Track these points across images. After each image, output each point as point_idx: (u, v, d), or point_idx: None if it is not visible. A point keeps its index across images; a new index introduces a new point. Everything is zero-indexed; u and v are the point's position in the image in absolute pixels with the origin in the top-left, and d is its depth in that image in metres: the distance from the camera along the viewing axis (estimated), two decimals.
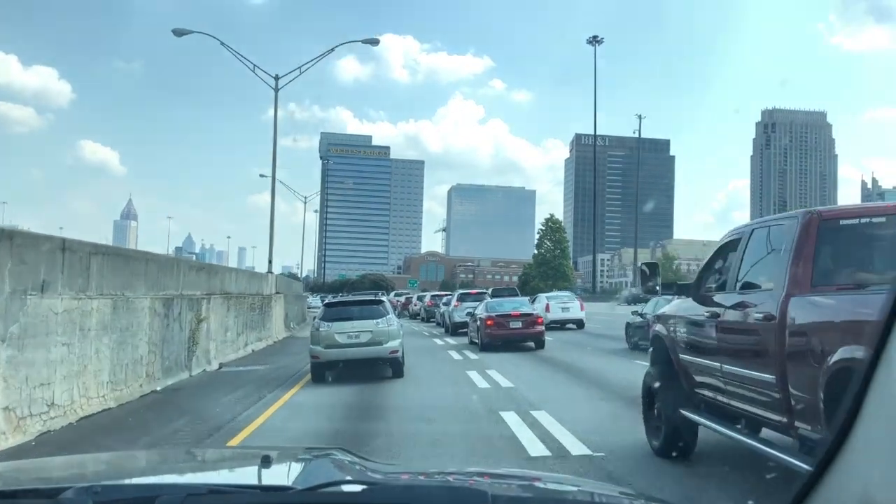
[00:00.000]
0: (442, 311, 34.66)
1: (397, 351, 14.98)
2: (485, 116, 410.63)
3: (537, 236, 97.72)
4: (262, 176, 57.65)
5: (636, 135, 76.16)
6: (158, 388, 14.03)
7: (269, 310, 26.95)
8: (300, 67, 31.14)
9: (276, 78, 31.14)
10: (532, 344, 21.34)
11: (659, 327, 7.92)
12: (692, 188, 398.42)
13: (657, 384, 7.42)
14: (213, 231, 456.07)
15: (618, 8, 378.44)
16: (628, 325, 21.73)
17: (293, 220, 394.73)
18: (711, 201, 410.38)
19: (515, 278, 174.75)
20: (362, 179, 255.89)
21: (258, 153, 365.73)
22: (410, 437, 9.17)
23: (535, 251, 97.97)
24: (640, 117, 74.71)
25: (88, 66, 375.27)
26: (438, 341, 26.35)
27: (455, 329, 28.14)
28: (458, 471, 2.40)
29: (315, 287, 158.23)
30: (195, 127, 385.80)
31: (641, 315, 20.57)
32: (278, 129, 31.05)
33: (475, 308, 24.47)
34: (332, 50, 30.92)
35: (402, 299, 58.17)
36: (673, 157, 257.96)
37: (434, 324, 38.02)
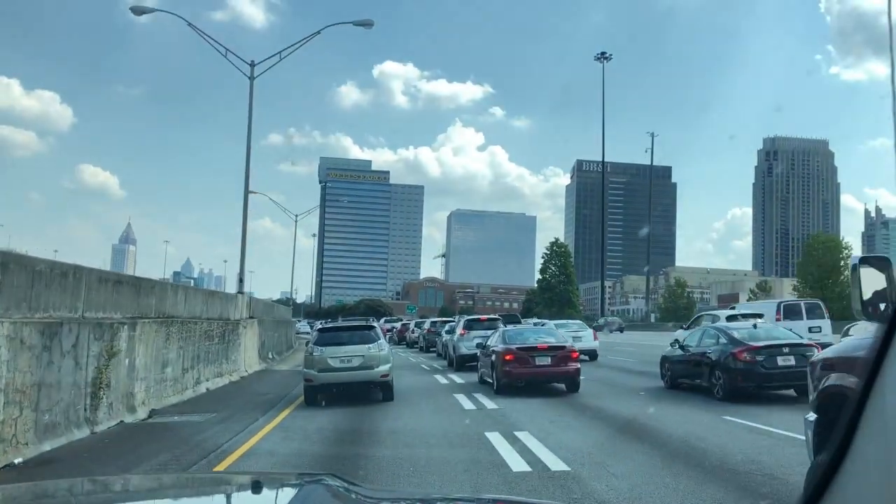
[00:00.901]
0: (444, 340, 29.81)
1: (388, 375, 15.31)
2: (484, 143, 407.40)
3: (541, 261, 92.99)
4: (252, 192, 52.49)
5: (647, 153, 71.78)
6: (18, 461, 9.10)
7: (235, 338, 22.02)
8: (280, 53, 28.14)
9: (252, 65, 27.97)
10: (563, 386, 16.37)
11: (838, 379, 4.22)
12: (689, 216, 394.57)
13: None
14: (213, 256, 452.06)
15: (618, 36, 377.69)
16: (665, 358, 17.70)
17: (291, 246, 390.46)
18: (709, 230, 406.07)
19: (516, 304, 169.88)
20: (361, 204, 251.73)
21: (259, 178, 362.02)
22: None
23: (539, 276, 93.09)
24: (652, 135, 70.50)
25: (90, 90, 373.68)
26: (441, 379, 21.37)
27: (461, 363, 23.20)
28: (445, 496, 2.81)
29: (311, 312, 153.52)
30: (195, 151, 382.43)
31: (683, 347, 16.59)
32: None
33: (487, 338, 19.60)
34: (319, 32, 26.83)
35: (398, 326, 53.76)
36: (675, 185, 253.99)
37: (434, 354, 33.09)
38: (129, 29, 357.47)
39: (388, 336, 23.95)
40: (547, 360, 16.15)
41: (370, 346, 15.44)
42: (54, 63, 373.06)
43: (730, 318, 25.71)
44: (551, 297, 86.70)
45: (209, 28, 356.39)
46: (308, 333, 67.46)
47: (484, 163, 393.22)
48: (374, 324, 18.27)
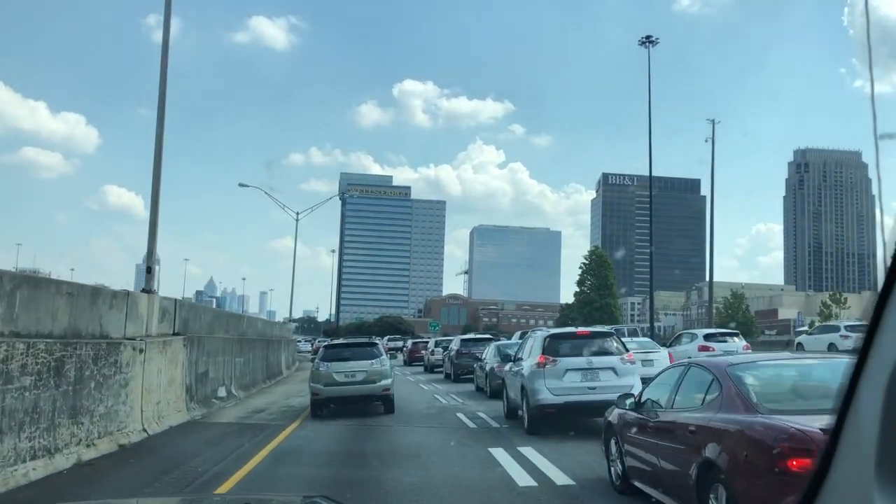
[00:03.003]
0: (488, 367, 19.52)
1: (389, 389, 15.98)
2: (505, 160, 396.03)
3: (579, 272, 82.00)
4: (241, 185, 42.96)
5: (709, 142, 60.50)
6: None
7: (110, 372, 11.53)
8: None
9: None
10: None
11: None
12: (715, 231, 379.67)
13: None
14: (235, 275, 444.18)
15: (640, 52, 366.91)
16: (610, 427, 6.86)
17: (314, 264, 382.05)
18: (733, 246, 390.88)
19: (542, 321, 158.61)
20: (382, 220, 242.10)
21: (281, 197, 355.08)
22: None
23: (577, 289, 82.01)
24: (713, 122, 59.30)
25: (115, 112, 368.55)
26: (518, 474, 9.10)
27: (539, 419, 11.94)
28: None
29: (329, 330, 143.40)
30: (218, 172, 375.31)
31: (641, 405, 6.35)
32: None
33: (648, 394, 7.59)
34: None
35: (409, 345, 45.46)
36: (704, 198, 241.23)
37: (470, 389, 22.46)
38: (151, 51, 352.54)
39: (389, 355, 21.16)
40: None
41: (372, 361, 16.08)
42: (79, 86, 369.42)
43: (708, 337, 25.40)
44: (591, 312, 75.69)
45: (230, 47, 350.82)
46: (308, 352, 59.39)
47: (505, 180, 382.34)
48: (377, 341, 20.05)
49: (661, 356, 22.10)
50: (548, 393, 11.18)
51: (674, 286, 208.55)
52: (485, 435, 12.06)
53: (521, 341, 17.16)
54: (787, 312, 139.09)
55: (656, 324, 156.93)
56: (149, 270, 14.29)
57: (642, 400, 7.06)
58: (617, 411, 7.69)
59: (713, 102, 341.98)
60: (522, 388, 12.00)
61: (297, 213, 46.15)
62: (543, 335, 12.01)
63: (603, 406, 11.04)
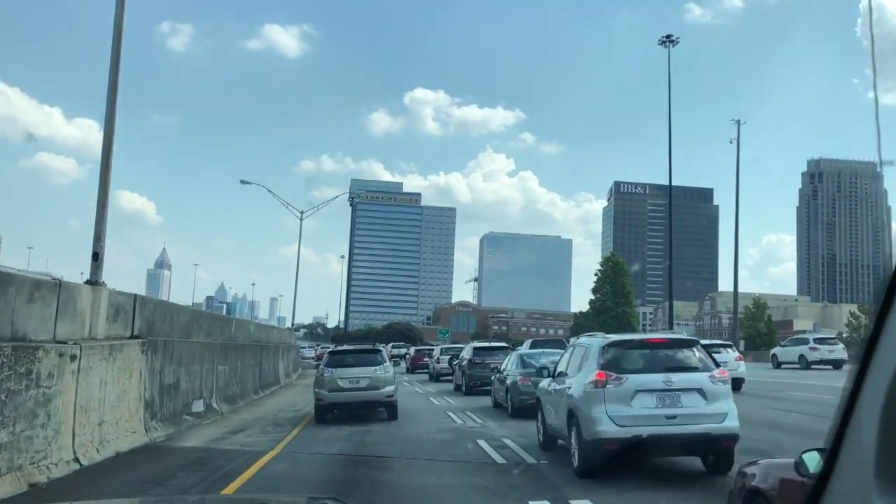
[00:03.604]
0: (510, 380, 16.60)
1: (392, 395, 16.01)
2: (515, 168, 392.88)
3: (594, 279, 78.70)
4: (243, 182, 40.31)
5: (733, 143, 57.28)
6: None
7: (32, 387, 8.64)
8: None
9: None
10: None
11: None
12: (723, 242, 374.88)
13: None
14: (247, 281, 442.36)
15: (650, 61, 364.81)
16: None
17: (324, 271, 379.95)
18: (744, 256, 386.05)
19: (552, 331, 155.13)
20: (392, 227, 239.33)
21: (292, 205, 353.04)
22: None
23: (592, 297, 78.71)
24: (738, 123, 56.29)
25: (127, 118, 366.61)
26: None
27: (597, 457, 8.43)
28: None
29: (337, 337, 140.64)
30: (230, 178, 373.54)
31: None
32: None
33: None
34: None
35: (412, 352, 43.74)
36: (717, 207, 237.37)
37: (486, 405, 19.47)
38: (165, 58, 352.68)
39: (392, 362, 21.02)
40: None
41: (376, 368, 16.11)
42: (93, 92, 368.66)
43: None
44: (606, 321, 72.45)
45: (243, 55, 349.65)
46: (312, 359, 57.23)
47: (515, 188, 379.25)
48: (381, 348, 20.70)
49: (730, 355, 21.37)
50: (610, 423, 8.00)
51: (686, 296, 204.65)
52: (520, 477, 8.92)
53: (542, 350, 14.25)
54: (802, 324, 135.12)
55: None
56: (95, 257, 11.32)
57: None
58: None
59: (725, 112, 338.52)
60: (571, 413, 8.84)
61: (302, 213, 43.43)
62: (601, 343, 8.77)
63: (687, 442, 8.01)
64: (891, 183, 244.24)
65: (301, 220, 37.09)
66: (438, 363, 33.01)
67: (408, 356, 44.17)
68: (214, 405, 17.49)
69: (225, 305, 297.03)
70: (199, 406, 16.04)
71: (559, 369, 10.66)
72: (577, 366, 9.36)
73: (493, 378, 20.04)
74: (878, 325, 1.24)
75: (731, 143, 58.43)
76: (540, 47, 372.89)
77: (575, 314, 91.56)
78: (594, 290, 77.39)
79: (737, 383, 20.12)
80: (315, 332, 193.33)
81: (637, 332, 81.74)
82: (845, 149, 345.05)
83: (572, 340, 11.73)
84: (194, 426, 14.75)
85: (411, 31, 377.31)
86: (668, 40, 68.76)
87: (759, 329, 68.03)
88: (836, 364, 33.66)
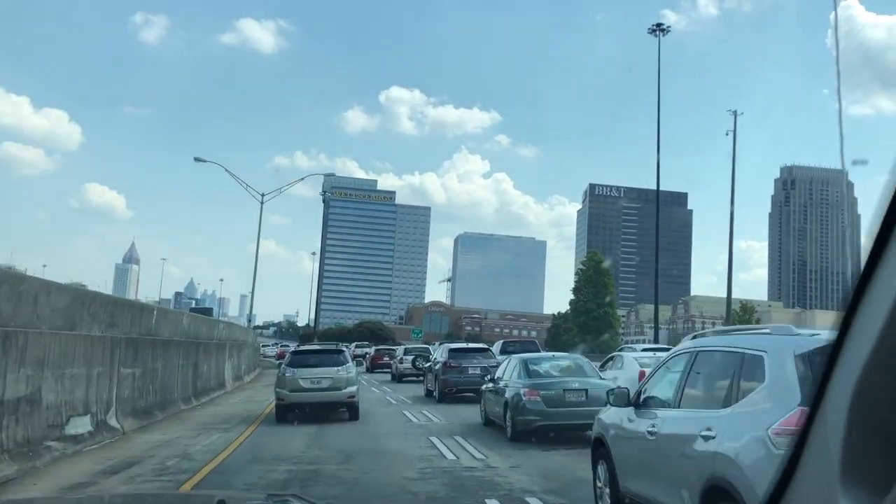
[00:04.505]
0: (511, 393, 12.53)
1: (354, 396, 15.75)
2: (489, 170, 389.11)
3: (575, 279, 74.59)
4: (197, 160, 35.56)
5: (729, 135, 53.49)
6: None
7: None
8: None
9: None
10: None
11: None
12: (697, 246, 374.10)
13: None
14: (217, 278, 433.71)
15: (625, 66, 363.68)
16: None
17: (296, 269, 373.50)
18: (714, 263, 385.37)
19: (525, 332, 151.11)
20: (366, 225, 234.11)
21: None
22: None
23: (572, 297, 74.58)
24: (735, 114, 52.40)
25: (98, 110, 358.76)
26: None
27: None
28: None
29: (306, 335, 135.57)
30: (202, 173, 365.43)
31: None
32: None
33: None
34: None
35: (371, 352, 43.55)
36: (691, 211, 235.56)
37: (470, 419, 15.39)
38: (137, 50, 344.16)
39: (356, 362, 21.51)
40: None
41: (338, 368, 15.77)
42: (63, 82, 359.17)
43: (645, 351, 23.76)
44: (586, 322, 68.40)
45: (217, 48, 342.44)
46: (272, 357, 57.06)
47: (489, 190, 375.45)
48: (344, 348, 18.83)
49: None
50: None
51: (661, 300, 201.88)
52: None
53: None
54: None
55: (640, 337, 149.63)
56: None
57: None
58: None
59: (698, 118, 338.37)
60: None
61: (262, 195, 38.60)
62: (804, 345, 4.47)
63: None
64: (861, 191, 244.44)
65: (262, 203, 33.68)
66: (402, 363, 32.04)
67: (368, 355, 43.09)
68: (112, 422, 12.83)
69: (194, 302, 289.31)
70: (80, 426, 11.38)
71: (648, 391, 6.14)
72: (704, 382, 4.81)
73: (483, 388, 15.94)
74: (846, 322, 1.26)
75: (726, 135, 54.73)
76: (517, 49, 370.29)
77: (553, 315, 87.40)
78: (575, 291, 73.24)
79: None
80: (286, 330, 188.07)
81: (618, 333, 77.71)
82: (816, 157, 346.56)
83: (689, 344, 6.19)
84: (62, 458, 10.12)
85: (388, 29, 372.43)
86: (658, 29, 64.92)
87: None
88: None
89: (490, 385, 15.23)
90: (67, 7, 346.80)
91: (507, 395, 13.35)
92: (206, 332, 22.35)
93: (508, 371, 14.54)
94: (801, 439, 1.37)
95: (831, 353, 1.30)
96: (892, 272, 1.15)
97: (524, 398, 12.60)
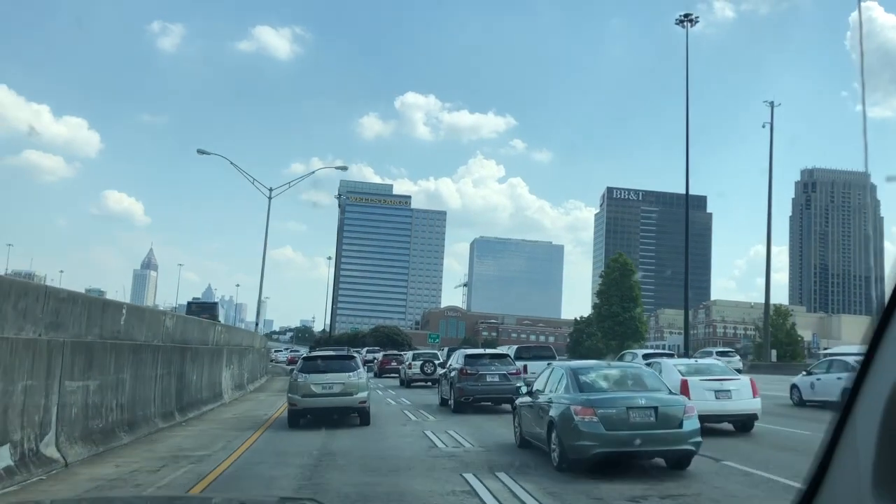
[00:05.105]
0: (557, 412, 9.53)
1: (365, 401, 15.67)
2: (505, 175, 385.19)
3: (600, 280, 71.08)
4: (200, 152, 32.84)
5: (767, 127, 50.23)
6: None
7: None
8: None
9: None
10: None
11: None
12: (717, 250, 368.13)
13: None
14: (233, 283, 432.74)
15: (642, 69, 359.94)
16: None
17: (312, 275, 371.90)
18: (731, 267, 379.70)
19: (552, 339, 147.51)
20: (382, 229, 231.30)
21: (281, 207, 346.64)
22: None
23: (595, 301, 71.08)
24: (771, 105, 49.08)
25: (117, 117, 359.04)
26: None
27: None
28: None
29: (321, 340, 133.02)
30: (218, 180, 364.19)
31: None
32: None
33: None
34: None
35: (380, 357, 43.65)
36: (710, 215, 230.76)
37: (497, 435, 12.58)
38: (155, 58, 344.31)
39: (366, 367, 21.26)
40: None
41: (350, 374, 15.73)
42: (83, 90, 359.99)
43: (646, 357, 25.17)
44: (611, 327, 64.87)
45: (234, 56, 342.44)
46: (283, 363, 56.55)
47: (504, 195, 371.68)
48: (355, 354, 19.98)
49: (742, 384, 14.42)
50: None
51: (677, 304, 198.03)
52: None
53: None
54: (801, 335, 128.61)
55: (661, 343, 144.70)
56: None
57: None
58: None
59: (716, 120, 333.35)
60: None
61: (270, 190, 35.74)
62: None
63: None
64: (883, 194, 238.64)
65: (269, 198, 31.51)
66: (410, 368, 32.02)
67: (376, 360, 42.76)
68: (49, 451, 9.77)
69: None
70: None
71: None
72: None
73: (517, 403, 13.05)
74: (878, 335, 1.25)
75: (763, 127, 51.73)
76: (532, 54, 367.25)
77: (575, 320, 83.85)
78: (599, 294, 69.72)
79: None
80: (302, 335, 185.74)
81: (644, 338, 74.14)
82: (836, 160, 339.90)
83: None
84: None
85: (403, 35, 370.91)
86: (685, 19, 61.81)
87: (780, 338, 60.51)
88: None
89: (527, 399, 12.23)
90: (85, 16, 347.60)
91: (553, 412, 10.39)
92: (197, 336, 19.28)
93: (552, 382, 11.52)
94: (830, 447, 1.35)
95: (863, 361, 1.29)
96: None
97: (576, 418, 9.66)
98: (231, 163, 34.16)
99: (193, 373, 18.11)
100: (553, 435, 10.26)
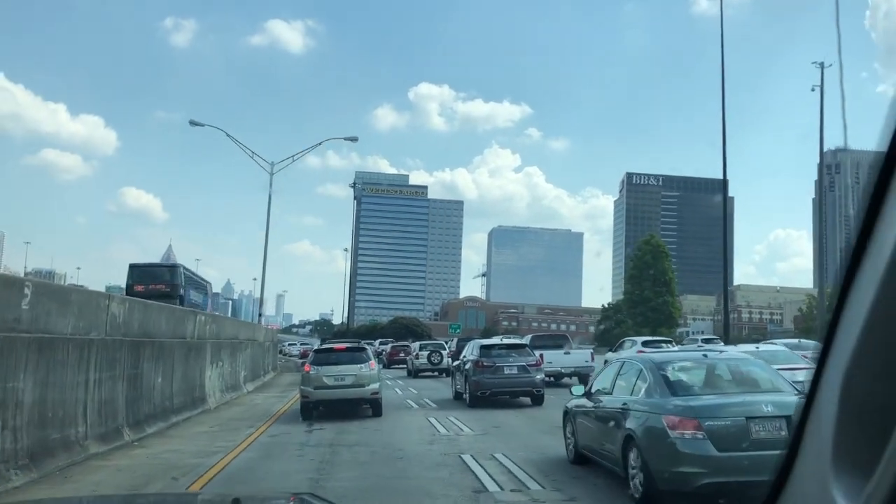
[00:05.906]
0: (641, 426, 4.88)
1: (378, 392, 15.76)
2: (521, 164, 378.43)
3: (631, 265, 66.64)
4: (193, 123, 28.92)
5: (816, 90, 45.55)
6: None
7: None
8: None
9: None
10: None
11: None
12: (739, 234, 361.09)
13: None
14: (250, 278, 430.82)
15: (658, 54, 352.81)
16: None
17: (330, 268, 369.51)
18: (751, 252, 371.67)
19: (573, 327, 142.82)
20: (399, 220, 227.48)
21: (297, 202, 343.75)
22: None
23: (626, 286, 66.60)
24: (821, 66, 44.25)
25: (132, 114, 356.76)
26: None
27: None
28: None
29: (339, 333, 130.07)
30: (235, 175, 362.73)
31: None
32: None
33: None
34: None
35: (388, 348, 43.29)
36: (732, 199, 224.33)
37: (541, 450, 8.19)
38: (168, 54, 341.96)
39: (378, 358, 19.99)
40: None
41: (361, 366, 15.83)
42: (98, 88, 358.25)
43: (645, 344, 26.79)
44: (643, 313, 60.44)
45: (247, 50, 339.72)
46: (295, 356, 54.07)
47: (521, 184, 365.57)
48: (366, 346, 19.60)
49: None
50: None
51: (702, 290, 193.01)
52: None
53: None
54: None
55: (683, 329, 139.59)
56: None
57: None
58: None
59: (734, 104, 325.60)
60: None
61: (272, 164, 31.83)
62: None
63: None
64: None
65: (271, 173, 28.14)
66: (417, 359, 32.24)
67: (384, 351, 41.96)
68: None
69: (231, 302, 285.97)
70: None
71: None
72: None
73: (570, 407, 9.16)
74: (836, 317, 1.25)
75: (812, 90, 46.96)
76: (546, 41, 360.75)
77: (603, 307, 79.18)
78: (630, 279, 65.25)
79: None
80: (321, 328, 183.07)
81: (678, 326, 69.55)
82: (858, 141, 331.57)
83: None
84: None
85: (415, 26, 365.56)
86: None
87: (812, 326, 55.96)
88: None
89: (585, 402, 8.52)
90: (98, 14, 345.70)
91: (631, 424, 7.03)
92: (165, 328, 15.16)
93: (625, 380, 7.78)
94: (798, 430, 1.36)
95: (824, 345, 1.29)
96: (876, 263, 1.10)
97: (672, 433, 6.45)
98: (227, 135, 30.40)
99: (157, 375, 14.02)
100: (632, 455, 6.85)
